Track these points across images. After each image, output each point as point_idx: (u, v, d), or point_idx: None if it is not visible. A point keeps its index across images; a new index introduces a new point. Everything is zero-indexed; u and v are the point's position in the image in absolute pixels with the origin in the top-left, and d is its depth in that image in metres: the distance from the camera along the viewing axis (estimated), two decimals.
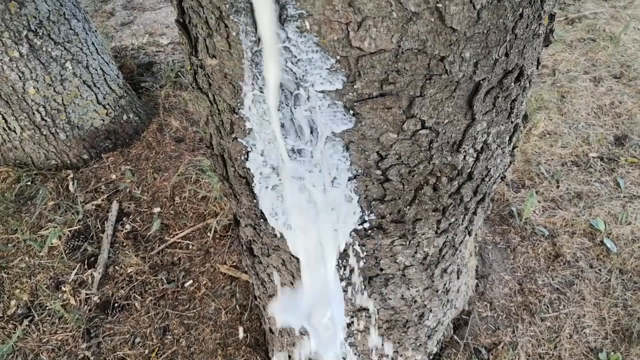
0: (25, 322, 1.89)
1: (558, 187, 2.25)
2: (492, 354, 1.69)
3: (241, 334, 1.80)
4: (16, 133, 2.34)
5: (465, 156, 0.82)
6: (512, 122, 0.88)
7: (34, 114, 2.28)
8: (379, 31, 0.59)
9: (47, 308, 1.94)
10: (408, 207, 0.87)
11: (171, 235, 2.19)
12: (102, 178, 2.46)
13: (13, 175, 2.44)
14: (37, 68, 2.18)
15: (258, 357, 1.74)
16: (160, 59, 3.33)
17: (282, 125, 0.72)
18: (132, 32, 3.71)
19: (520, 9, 0.65)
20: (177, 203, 2.33)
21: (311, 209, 0.83)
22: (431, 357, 1.66)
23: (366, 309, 1.17)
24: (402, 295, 1.15)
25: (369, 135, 0.72)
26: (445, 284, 1.27)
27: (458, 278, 1.40)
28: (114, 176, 2.47)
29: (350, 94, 0.66)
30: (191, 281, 2.02)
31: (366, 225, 0.88)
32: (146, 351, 1.80)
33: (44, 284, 2.01)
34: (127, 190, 2.40)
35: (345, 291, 1.09)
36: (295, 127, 0.72)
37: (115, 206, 2.30)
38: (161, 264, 2.09)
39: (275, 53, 0.62)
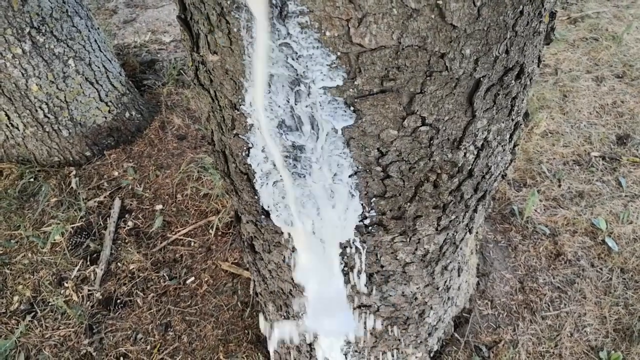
0: (28, 317, 1.91)
1: (559, 186, 2.25)
2: (492, 352, 1.70)
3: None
4: (19, 130, 2.35)
5: (465, 153, 0.83)
6: (512, 120, 0.89)
7: (36, 110, 2.29)
8: (379, 28, 0.59)
9: (50, 304, 1.95)
10: (408, 203, 0.87)
11: (173, 233, 2.20)
12: (104, 175, 2.47)
13: (16, 171, 2.45)
14: (40, 65, 2.18)
15: (259, 354, 1.74)
16: (162, 57, 3.34)
17: (283, 122, 0.72)
18: (135, 30, 3.72)
19: (521, 6, 0.65)
20: (179, 200, 2.34)
21: (312, 206, 0.84)
22: (432, 355, 1.67)
23: (368, 306, 1.17)
24: (403, 292, 1.16)
25: (369, 132, 0.72)
26: (445, 282, 1.27)
27: (459, 276, 1.40)
28: (116, 173, 2.48)
29: (350, 90, 0.66)
30: (193, 278, 2.03)
31: (367, 221, 0.88)
32: (148, 347, 1.81)
33: (47, 280, 2.02)
34: (130, 187, 2.41)
35: (346, 288, 1.09)
36: (296, 123, 0.72)
37: (117, 203, 2.31)
38: (163, 260, 2.10)
39: (266, 48, 0.62)
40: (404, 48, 0.62)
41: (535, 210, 2.14)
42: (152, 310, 1.92)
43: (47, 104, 2.29)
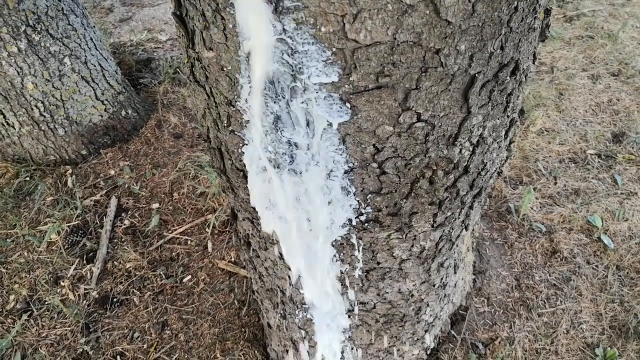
0: (24, 316, 1.90)
1: (556, 183, 2.25)
2: (489, 349, 1.70)
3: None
4: (15, 128, 2.34)
5: (461, 149, 0.83)
6: (508, 117, 0.89)
7: (32, 109, 2.28)
8: (374, 23, 0.59)
9: (46, 303, 1.95)
10: (404, 200, 0.87)
11: (170, 231, 2.20)
12: (100, 174, 2.47)
13: (12, 170, 2.44)
14: (36, 63, 2.18)
15: (256, 352, 1.74)
16: (158, 56, 3.33)
17: (279, 118, 0.72)
18: (131, 29, 3.71)
19: (515, 2, 0.65)
20: (175, 199, 2.33)
21: (308, 202, 0.84)
22: (429, 352, 1.67)
23: (364, 303, 1.18)
24: (399, 289, 1.16)
25: (365, 128, 0.72)
26: (442, 279, 1.27)
27: (455, 273, 1.41)
28: (112, 172, 2.48)
29: (346, 86, 0.66)
30: (190, 276, 2.02)
31: (363, 218, 0.88)
32: (145, 346, 1.81)
33: (43, 279, 2.02)
34: (126, 186, 2.40)
35: (342, 285, 1.09)
36: (292, 120, 0.72)
37: (113, 202, 2.30)
38: (160, 259, 2.09)
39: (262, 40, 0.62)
40: (399, 44, 0.62)
41: (532, 208, 2.15)
42: (148, 309, 1.92)
43: (42, 102, 2.28)
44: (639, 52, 3.00)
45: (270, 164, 0.81)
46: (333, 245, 0.95)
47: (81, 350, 1.80)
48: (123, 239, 2.17)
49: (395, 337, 1.37)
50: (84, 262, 2.08)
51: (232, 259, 2.07)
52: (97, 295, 1.97)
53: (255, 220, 1.01)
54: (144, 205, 2.32)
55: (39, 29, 2.14)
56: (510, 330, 1.75)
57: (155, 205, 2.31)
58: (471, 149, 0.85)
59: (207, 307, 1.92)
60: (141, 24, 3.76)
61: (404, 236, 0.97)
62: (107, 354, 1.78)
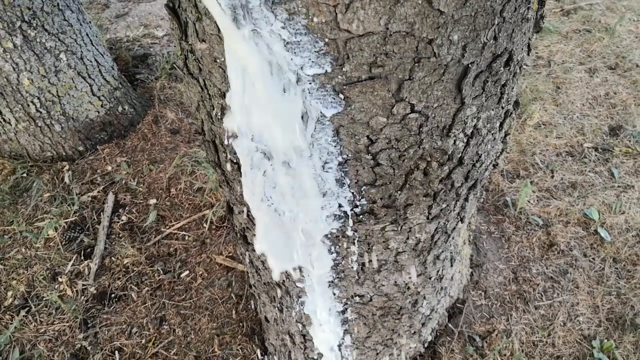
0: (22, 312, 1.90)
1: (552, 177, 2.26)
2: (486, 342, 1.71)
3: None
4: (11, 125, 2.34)
5: (455, 141, 0.83)
6: (502, 108, 0.89)
7: (28, 105, 2.28)
8: (366, 13, 0.59)
9: (44, 299, 1.95)
10: (399, 192, 0.87)
11: (167, 227, 2.20)
12: (97, 170, 2.46)
13: (8, 167, 2.44)
14: (31, 59, 2.17)
15: (254, 346, 1.75)
16: (155, 51, 3.32)
17: None
18: (127, 24, 3.70)
19: None
20: (173, 194, 2.33)
21: (302, 194, 0.84)
22: (426, 345, 1.68)
23: (360, 296, 1.18)
24: (395, 282, 1.16)
25: (358, 119, 0.72)
26: (438, 271, 1.27)
27: (452, 266, 1.41)
28: (109, 168, 2.47)
29: (339, 77, 0.66)
30: (187, 272, 2.03)
31: (357, 210, 0.89)
32: (143, 341, 1.81)
33: (41, 275, 2.02)
34: (123, 181, 2.40)
35: (338, 278, 1.09)
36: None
37: (111, 197, 2.30)
38: (157, 254, 2.10)
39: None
40: (392, 34, 0.62)
41: (529, 201, 2.15)
42: (146, 304, 1.92)
43: (39, 98, 2.28)
44: (636, 45, 3.00)
45: (264, 157, 0.81)
46: (328, 238, 0.95)
47: (79, 345, 1.81)
48: (120, 235, 2.17)
49: (392, 330, 1.37)
50: (82, 258, 2.08)
51: (230, 254, 2.07)
52: (95, 291, 1.97)
53: (250, 214, 1.01)
54: (141, 201, 2.31)
55: (34, 25, 2.13)
56: (508, 323, 1.75)
57: (152, 201, 2.31)
58: (465, 140, 0.85)
59: (205, 302, 1.92)
60: (137, 20, 3.75)
61: (399, 228, 0.97)
62: (106, 350, 1.79)
